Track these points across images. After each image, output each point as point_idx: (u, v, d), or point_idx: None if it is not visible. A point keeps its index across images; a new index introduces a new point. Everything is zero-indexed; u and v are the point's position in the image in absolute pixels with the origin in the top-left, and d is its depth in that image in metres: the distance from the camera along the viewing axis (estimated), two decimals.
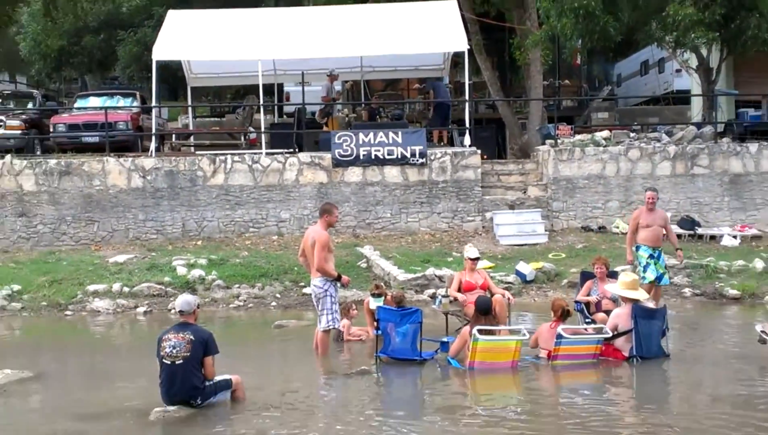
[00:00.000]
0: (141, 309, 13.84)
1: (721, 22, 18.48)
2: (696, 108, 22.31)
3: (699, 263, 14.63)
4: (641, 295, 10.10)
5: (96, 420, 7.88)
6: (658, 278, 12.04)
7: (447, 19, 19.44)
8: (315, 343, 10.25)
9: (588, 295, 11.41)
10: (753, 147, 18.30)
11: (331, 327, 10.17)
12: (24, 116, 20.64)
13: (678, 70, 23.97)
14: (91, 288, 14.36)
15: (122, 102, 21.60)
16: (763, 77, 20.83)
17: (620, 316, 9.91)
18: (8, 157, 17.99)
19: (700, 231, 17.09)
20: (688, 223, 17.19)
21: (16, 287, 14.42)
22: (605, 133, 19.28)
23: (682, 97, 24.93)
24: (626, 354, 9.71)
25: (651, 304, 10.24)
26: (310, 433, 7.40)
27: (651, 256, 11.99)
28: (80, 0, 27.02)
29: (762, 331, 9.69)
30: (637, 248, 12.11)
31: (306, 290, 13.27)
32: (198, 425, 7.65)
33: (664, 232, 12.28)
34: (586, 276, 11.93)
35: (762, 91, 20.36)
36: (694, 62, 20.38)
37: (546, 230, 17.25)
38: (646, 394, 9.06)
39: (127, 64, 31.17)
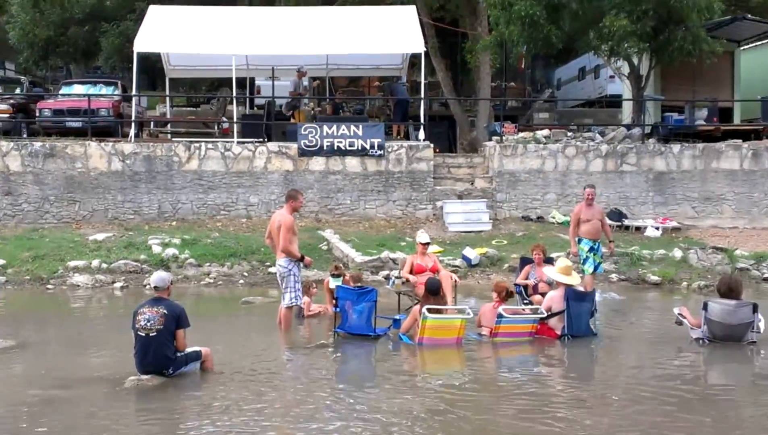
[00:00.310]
0: (118, 284, 13.68)
1: (651, 34, 18.70)
2: (626, 111, 22.53)
3: (625, 252, 14.82)
4: (574, 280, 10.20)
5: (74, 387, 7.77)
6: (595, 268, 12.15)
7: (406, 22, 19.44)
8: (279, 319, 10.22)
9: (526, 278, 11.53)
10: (676, 148, 18.57)
11: (294, 304, 10.16)
12: (12, 101, 20.28)
13: (611, 77, 24.17)
14: (72, 264, 14.12)
15: (104, 90, 21.23)
16: (687, 85, 21.10)
17: (554, 298, 10.01)
18: None
19: (626, 222, 17.34)
20: (616, 215, 17.41)
21: (1, 262, 14.12)
22: (545, 132, 19.45)
23: (615, 101, 25.15)
24: (559, 332, 9.82)
25: (581, 288, 10.38)
26: (272, 401, 7.38)
27: (591, 249, 12.04)
28: None
29: (679, 314, 9.89)
30: (579, 241, 12.14)
31: (271, 269, 13.19)
32: (169, 393, 7.59)
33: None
34: (525, 261, 12.04)
35: (685, 98, 20.59)
36: (626, 69, 20.59)
37: (490, 219, 17.34)
38: (575, 368, 9.21)
39: (110, 55, 30.63)
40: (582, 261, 12.10)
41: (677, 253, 14.80)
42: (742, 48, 22.10)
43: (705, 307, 9.50)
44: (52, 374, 8.24)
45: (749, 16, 20.74)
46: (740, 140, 18.91)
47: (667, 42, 18.83)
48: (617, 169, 18.34)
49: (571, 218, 12.70)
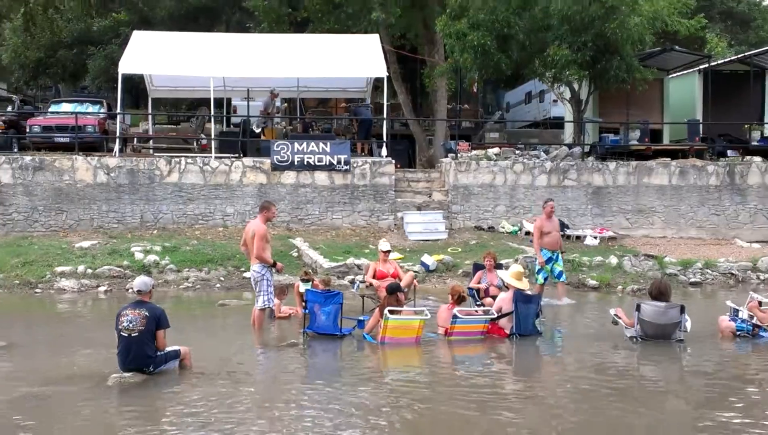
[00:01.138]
0: (102, 288, 13.45)
1: (590, 63, 18.99)
2: (568, 132, 22.81)
3: (567, 259, 14.89)
4: (525, 285, 10.24)
5: (60, 385, 7.61)
6: (558, 275, 12.15)
7: (370, 50, 19.50)
8: (252, 320, 10.13)
9: (479, 283, 11.58)
10: (612, 165, 18.83)
11: (266, 306, 10.10)
12: (3, 118, 19.84)
13: (555, 101, 24.45)
14: (59, 269, 13.87)
15: (91, 108, 20.96)
16: (622, 108, 21.36)
17: (504, 300, 10.06)
18: None
19: (568, 232, 17.42)
20: (559, 225, 17.52)
21: None
22: (496, 150, 19.57)
23: (558, 123, 25.45)
24: (508, 331, 9.85)
25: (529, 292, 10.43)
26: (246, 396, 7.31)
27: (549, 259, 12.02)
28: (56, 18, 26.04)
29: (615, 315, 9.97)
30: (541, 251, 12.07)
31: (246, 274, 13.08)
32: (150, 389, 7.48)
33: None
34: (477, 267, 12.09)
35: (620, 120, 20.87)
36: (567, 94, 20.86)
37: (446, 228, 17.39)
38: (523, 364, 9.24)
39: (96, 76, 30.35)
40: (536, 271, 12.11)
41: (613, 260, 14.97)
42: (670, 76, 22.54)
43: (638, 308, 9.61)
44: (40, 372, 8.06)
45: (677, 47, 21.18)
46: (669, 158, 19.25)
47: (604, 70, 19.14)
48: (560, 184, 18.55)
49: (534, 231, 12.49)
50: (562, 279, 12.45)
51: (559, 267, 12.20)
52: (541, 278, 12.10)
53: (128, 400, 7.22)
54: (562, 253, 12.58)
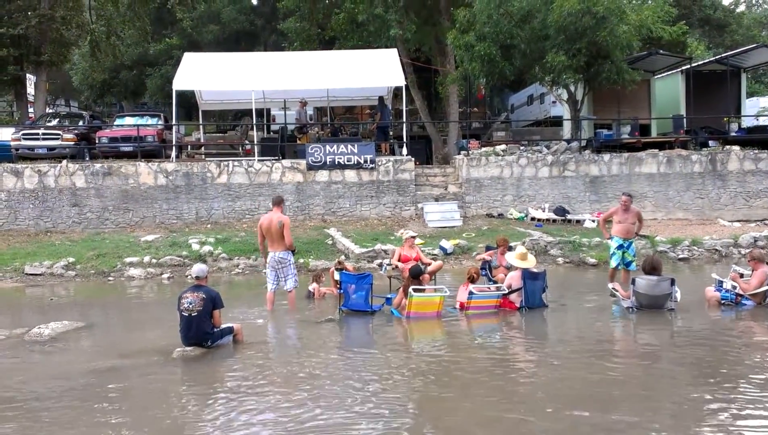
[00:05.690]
0: (165, 275, 13.60)
1: (584, 67, 18.77)
2: (566, 129, 22.60)
3: (568, 240, 14.81)
4: (530, 263, 10.12)
5: (132, 358, 7.72)
6: (627, 264, 11.18)
7: (389, 62, 19.45)
8: (268, 303, 9.98)
9: (487, 260, 11.38)
10: (606, 157, 18.62)
11: (296, 286, 10.03)
12: (76, 131, 20.06)
13: (554, 102, 24.22)
14: (128, 260, 14.05)
15: (150, 121, 21.12)
16: (614, 106, 21.17)
17: (513, 278, 9.95)
18: (64, 161, 17.54)
19: (569, 217, 17.35)
20: (561, 211, 17.42)
21: (71, 259, 14.06)
22: (503, 147, 19.43)
23: (557, 121, 25.22)
24: (518, 305, 9.77)
25: (535, 270, 10.33)
26: (292, 365, 7.33)
27: (620, 247, 11.11)
28: (118, 44, 26.30)
29: (613, 288, 9.89)
30: (612, 238, 11.31)
31: None
32: (208, 361, 7.56)
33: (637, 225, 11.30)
34: (489, 249, 12.01)
35: (613, 117, 20.68)
36: (565, 96, 20.64)
37: (461, 217, 17.33)
38: (532, 333, 9.14)
39: (154, 93, 30.62)
40: (609, 256, 11.37)
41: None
42: (656, 76, 22.20)
43: (633, 282, 9.51)
44: (116, 347, 8.21)
45: (661, 51, 20.86)
46: (657, 150, 18.99)
47: (597, 73, 18.91)
48: (560, 174, 18.38)
49: (604, 215, 11.75)
50: (631, 268, 11.26)
51: (629, 257, 11.20)
52: (613, 262, 11.20)
53: (190, 370, 7.31)
54: (636, 234, 11.45)
